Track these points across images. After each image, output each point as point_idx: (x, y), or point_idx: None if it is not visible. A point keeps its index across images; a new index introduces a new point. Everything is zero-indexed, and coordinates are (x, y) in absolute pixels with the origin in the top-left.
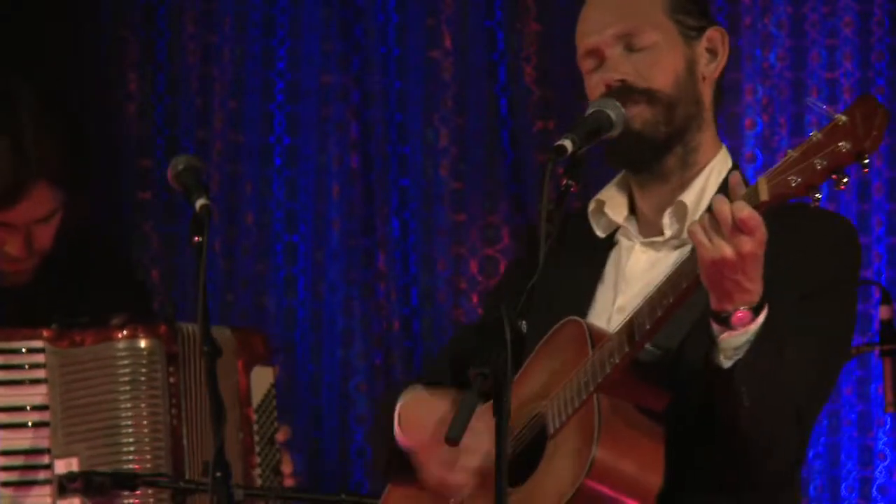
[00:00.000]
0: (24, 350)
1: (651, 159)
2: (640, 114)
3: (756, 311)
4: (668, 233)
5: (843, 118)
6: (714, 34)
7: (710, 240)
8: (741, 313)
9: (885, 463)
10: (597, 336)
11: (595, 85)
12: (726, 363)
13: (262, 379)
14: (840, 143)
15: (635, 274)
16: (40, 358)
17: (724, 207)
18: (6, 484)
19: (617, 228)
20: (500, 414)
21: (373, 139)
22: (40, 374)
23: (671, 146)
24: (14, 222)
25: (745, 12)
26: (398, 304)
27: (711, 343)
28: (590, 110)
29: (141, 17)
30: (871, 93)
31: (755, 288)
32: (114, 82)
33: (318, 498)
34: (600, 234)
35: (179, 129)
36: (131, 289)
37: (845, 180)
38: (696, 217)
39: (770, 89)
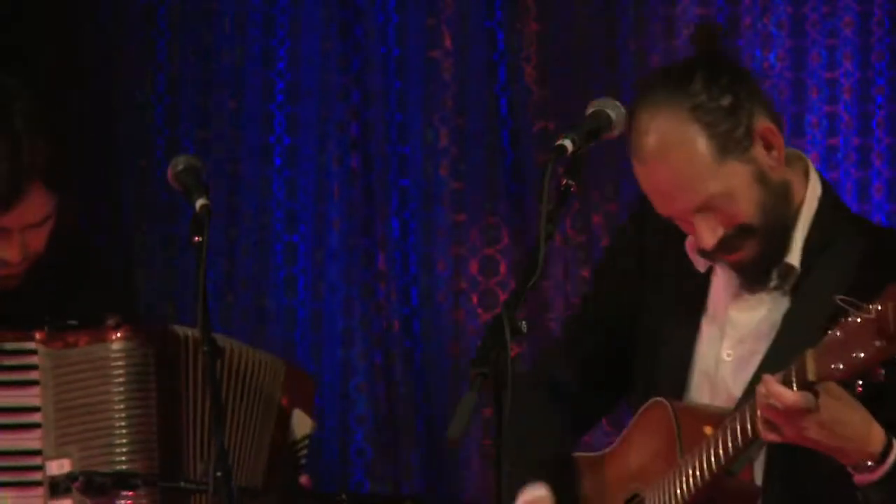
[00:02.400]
0: (16, 352)
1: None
2: (748, 253)
3: (881, 458)
4: (772, 284)
5: (875, 310)
6: (763, 132)
7: (775, 430)
8: (863, 473)
9: None
10: (686, 429)
11: (698, 246)
12: (874, 499)
13: (301, 425)
14: (875, 342)
15: (741, 320)
16: (33, 359)
17: (763, 401)
18: None
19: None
20: (500, 412)
21: (373, 139)
22: (32, 375)
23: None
24: (9, 226)
25: (745, 12)
26: (398, 304)
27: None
28: (590, 110)
29: (141, 17)
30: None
31: (863, 445)
32: (114, 82)
33: (319, 498)
34: (701, 269)
35: (179, 129)
36: (118, 292)
37: (881, 378)
38: (795, 263)
39: (770, 89)
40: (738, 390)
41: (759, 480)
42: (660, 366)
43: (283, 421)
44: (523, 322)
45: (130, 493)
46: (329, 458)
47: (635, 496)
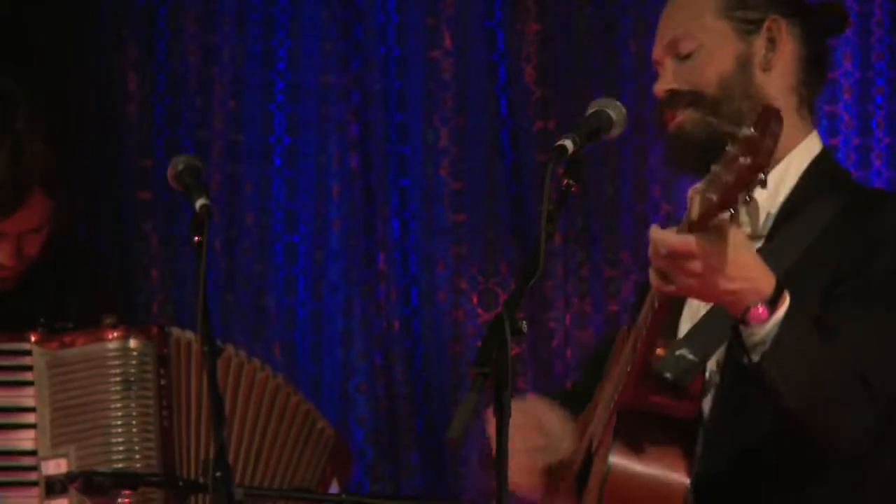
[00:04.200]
0: (10, 352)
1: (710, 157)
2: (688, 117)
3: (772, 303)
4: (748, 230)
5: (748, 131)
6: (771, 23)
7: (667, 281)
8: (755, 311)
9: None
10: (637, 346)
11: (654, 92)
12: (754, 357)
13: (331, 490)
14: (741, 159)
15: None
16: (27, 360)
17: (651, 249)
18: None
19: None
20: (501, 414)
21: (373, 139)
22: (27, 376)
23: (725, 140)
24: (6, 231)
25: None
26: (398, 304)
27: (740, 345)
28: (590, 110)
29: (141, 17)
30: (771, 105)
31: (752, 286)
32: (114, 82)
33: (319, 498)
34: (694, 216)
35: (179, 129)
36: (114, 293)
37: (748, 198)
38: (775, 215)
39: None
40: None
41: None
42: (665, 315)
43: (322, 486)
44: (523, 322)
45: (130, 492)
46: None
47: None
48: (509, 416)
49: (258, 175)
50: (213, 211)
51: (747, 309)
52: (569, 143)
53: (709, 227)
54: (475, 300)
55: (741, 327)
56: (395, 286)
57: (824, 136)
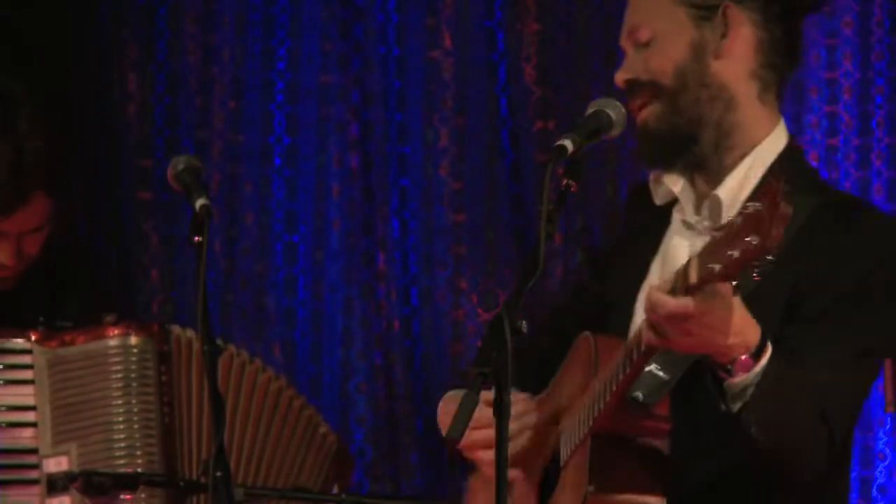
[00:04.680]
0: (9, 351)
1: (677, 153)
2: (651, 111)
3: (757, 354)
4: (705, 223)
5: (755, 207)
6: (726, 10)
7: (661, 335)
8: (741, 362)
9: (885, 463)
10: (602, 359)
11: (615, 81)
12: (734, 407)
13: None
14: (749, 238)
15: (675, 257)
16: (27, 359)
17: (648, 304)
18: None
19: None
20: (500, 414)
21: (373, 139)
22: (26, 374)
23: (694, 136)
24: (6, 231)
25: None
26: (398, 304)
27: (718, 388)
28: (590, 110)
29: (141, 17)
30: (779, 180)
31: (743, 339)
32: (114, 82)
33: (319, 498)
34: (658, 202)
35: (179, 129)
36: (113, 293)
37: (754, 274)
38: (736, 207)
39: None
40: None
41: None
42: (614, 305)
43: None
44: (523, 322)
45: (129, 492)
46: None
47: (560, 435)
48: (509, 416)
49: (258, 175)
50: (213, 211)
51: (733, 360)
52: (568, 143)
53: (706, 290)
54: (475, 300)
55: (722, 374)
56: (395, 286)
57: (823, 136)
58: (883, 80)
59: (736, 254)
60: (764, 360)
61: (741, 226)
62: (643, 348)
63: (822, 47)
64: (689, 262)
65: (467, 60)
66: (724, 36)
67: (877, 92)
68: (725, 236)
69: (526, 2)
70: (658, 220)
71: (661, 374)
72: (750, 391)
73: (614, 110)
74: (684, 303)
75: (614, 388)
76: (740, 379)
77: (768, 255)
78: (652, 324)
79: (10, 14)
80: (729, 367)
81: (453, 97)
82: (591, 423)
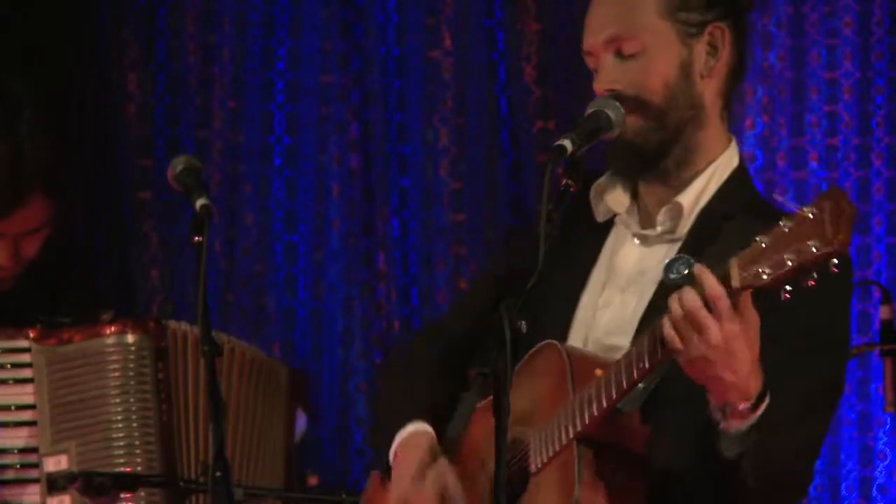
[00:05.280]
0: (8, 350)
1: (647, 165)
2: (631, 123)
3: (755, 405)
4: (659, 228)
5: (810, 212)
6: (714, 30)
7: (683, 337)
8: (736, 408)
9: (885, 463)
10: (577, 370)
11: (595, 90)
12: (728, 453)
13: (300, 423)
14: (809, 242)
15: (625, 268)
16: (26, 357)
17: (689, 295)
18: None
19: (616, 214)
20: (501, 414)
21: (373, 139)
22: (26, 373)
23: (665, 151)
24: (5, 232)
25: None
26: (398, 304)
27: (714, 429)
28: (589, 110)
29: (141, 17)
30: (839, 187)
31: (745, 385)
32: (114, 82)
33: (319, 498)
34: (599, 219)
35: (179, 129)
36: (111, 292)
37: (811, 282)
38: (692, 217)
39: (770, 89)
40: (610, 339)
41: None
42: (546, 314)
43: (291, 422)
44: (523, 322)
45: (129, 492)
46: (329, 458)
47: (516, 440)
48: (508, 417)
49: (258, 175)
50: (213, 211)
51: (729, 404)
52: (568, 143)
53: (741, 307)
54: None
55: (718, 416)
56: (395, 286)
57: (823, 136)
58: (883, 80)
59: (792, 258)
60: (759, 412)
61: (795, 230)
62: (665, 347)
63: (822, 47)
64: (728, 264)
65: (467, 60)
66: (713, 56)
67: (877, 92)
68: (774, 241)
69: (526, 2)
70: (593, 232)
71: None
72: (748, 441)
73: (614, 110)
74: (722, 291)
75: (606, 404)
76: (735, 426)
77: (833, 258)
78: (676, 320)
79: (10, 14)
80: (725, 411)
81: (453, 97)
82: (578, 428)
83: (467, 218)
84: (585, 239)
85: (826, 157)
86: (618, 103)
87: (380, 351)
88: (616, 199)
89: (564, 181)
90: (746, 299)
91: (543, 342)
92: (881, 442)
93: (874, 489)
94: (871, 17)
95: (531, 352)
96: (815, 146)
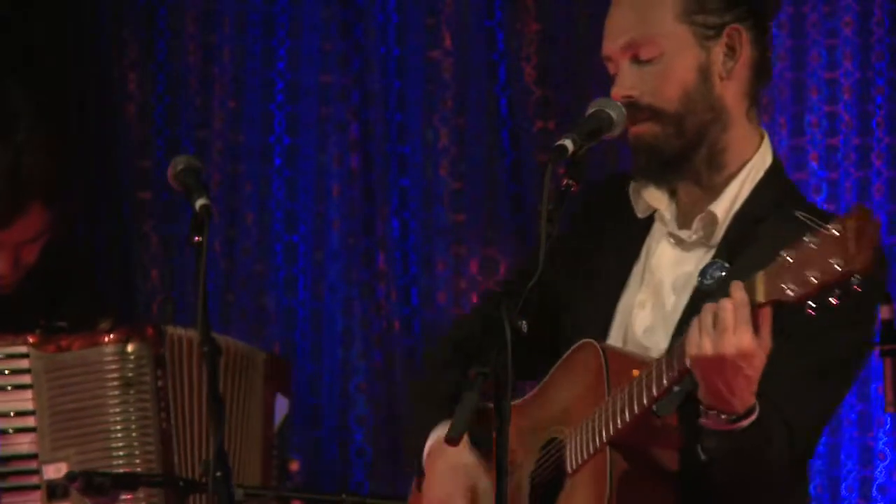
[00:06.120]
0: (7, 356)
1: (672, 170)
2: (649, 130)
3: (734, 420)
4: (694, 236)
5: (836, 229)
6: (732, 31)
7: (702, 337)
8: (716, 420)
9: (885, 463)
10: (613, 369)
11: (612, 95)
12: (703, 455)
13: (280, 407)
14: (832, 260)
15: (659, 268)
16: (24, 363)
17: (727, 304)
18: None
19: (655, 210)
20: (501, 414)
21: (373, 139)
22: (25, 379)
23: (689, 154)
24: (5, 241)
25: None
26: (398, 304)
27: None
28: (590, 110)
29: (141, 17)
30: (865, 205)
31: (743, 398)
32: (114, 82)
33: (319, 498)
34: (639, 215)
35: (179, 129)
36: (110, 295)
37: (834, 300)
38: (726, 225)
39: (770, 89)
40: (646, 340)
41: None
42: (588, 310)
43: (269, 410)
44: (523, 322)
45: (130, 493)
46: (329, 458)
47: (553, 440)
48: (509, 418)
49: (258, 175)
50: (213, 211)
51: (710, 407)
52: (568, 143)
53: (760, 327)
54: (475, 300)
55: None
56: (395, 286)
57: (823, 136)
58: (883, 80)
59: (816, 276)
60: (745, 424)
61: (820, 248)
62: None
63: (822, 47)
64: (754, 278)
65: (467, 60)
66: (731, 57)
67: (877, 92)
68: (800, 257)
69: (526, 2)
70: (635, 228)
71: (675, 387)
72: (722, 450)
73: (614, 110)
74: (745, 298)
75: (642, 407)
76: (709, 429)
77: (855, 277)
78: (706, 317)
79: (10, 14)
80: (706, 411)
81: (453, 97)
82: (612, 433)
83: (467, 218)
84: (626, 235)
85: (826, 157)
86: (618, 102)
87: (380, 351)
88: (654, 196)
89: (565, 181)
90: (767, 319)
91: (581, 341)
92: (881, 442)
93: (874, 489)
94: (871, 17)
95: (569, 350)
96: (815, 146)
